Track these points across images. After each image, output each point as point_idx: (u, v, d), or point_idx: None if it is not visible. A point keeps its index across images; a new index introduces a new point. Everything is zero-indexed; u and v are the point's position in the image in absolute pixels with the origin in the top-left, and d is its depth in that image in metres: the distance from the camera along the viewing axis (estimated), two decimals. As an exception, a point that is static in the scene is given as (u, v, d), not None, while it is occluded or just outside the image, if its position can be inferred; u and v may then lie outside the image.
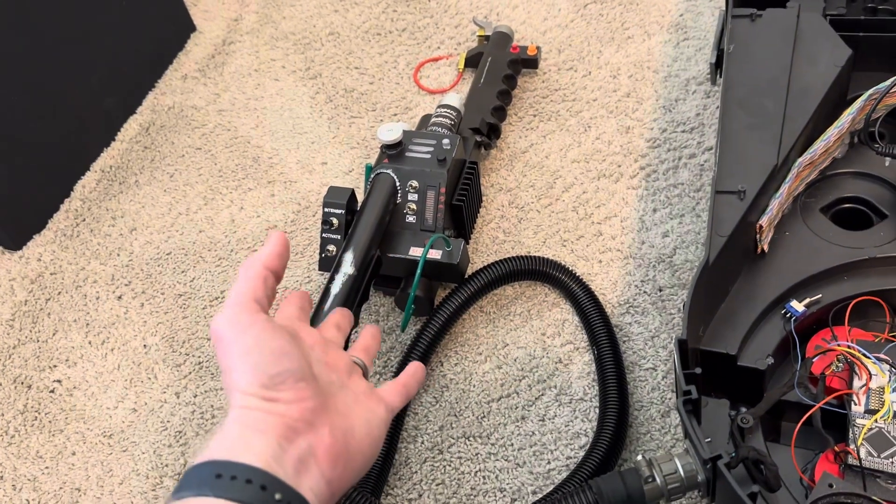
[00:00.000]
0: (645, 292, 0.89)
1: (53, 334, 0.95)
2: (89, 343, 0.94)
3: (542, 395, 0.83)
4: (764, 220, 0.70)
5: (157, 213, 1.05)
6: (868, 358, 0.66)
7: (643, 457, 0.61)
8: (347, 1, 1.27)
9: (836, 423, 0.66)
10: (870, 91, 0.76)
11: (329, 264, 0.85)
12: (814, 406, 0.65)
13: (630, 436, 0.79)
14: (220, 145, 1.11)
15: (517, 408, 0.83)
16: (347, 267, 0.79)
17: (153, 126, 1.15)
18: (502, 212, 0.99)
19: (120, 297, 0.97)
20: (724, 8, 0.87)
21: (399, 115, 1.11)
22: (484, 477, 0.78)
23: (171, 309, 0.95)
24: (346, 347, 0.74)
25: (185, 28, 1.25)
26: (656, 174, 0.98)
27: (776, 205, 0.71)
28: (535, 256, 0.89)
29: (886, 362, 0.66)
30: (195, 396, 0.88)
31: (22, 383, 0.91)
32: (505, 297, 0.91)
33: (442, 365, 0.87)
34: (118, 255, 1.01)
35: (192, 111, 1.16)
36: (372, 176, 0.89)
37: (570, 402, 0.82)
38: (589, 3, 1.19)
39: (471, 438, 0.81)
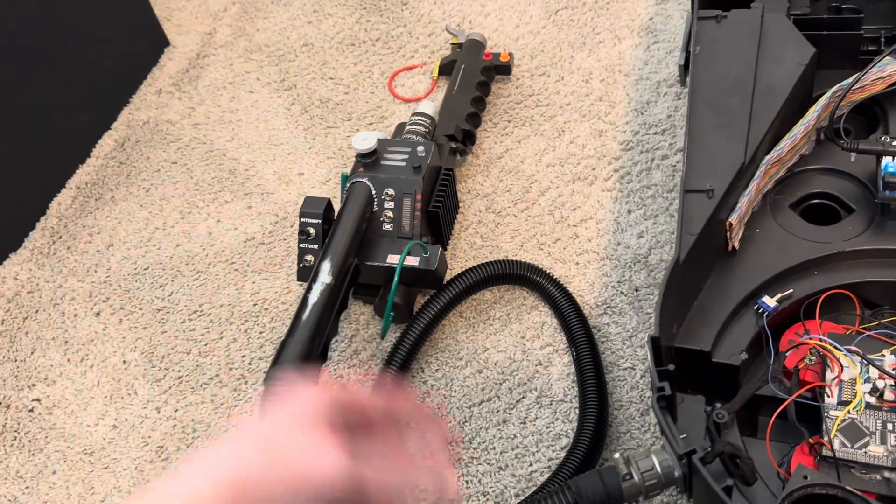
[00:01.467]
0: (622, 293, 0.90)
1: (32, 353, 0.94)
2: (68, 361, 0.93)
3: (523, 397, 0.84)
4: (734, 218, 0.71)
5: (134, 229, 1.04)
6: (839, 350, 0.67)
7: (621, 455, 0.61)
8: (321, 12, 1.28)
9: (812, 416, 0.66)
10: (834, 88, 0.78)
11: (307, 274, 0.85)
12: (788, 400, 0.66)
13: (610, 435, 0.79)
14: (196, 159, 1.11)
15: (498, 411, 0.83)
16: (325, 276, 0.79)
17: (128, 141, 1.15)
18: (479, 217, 1.00)
19: (98, 314, 0.97)
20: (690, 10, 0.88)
21: (375, 124, 1.12)
22: (467, 481, 0.79)
23: (149, 324, 0.95)
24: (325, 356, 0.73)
25: (158, 43, 1.25)
26: (630, 176, 0.99)
27: (745, 202, 0.72)
28: (512, 260, 0.90)
29: (857, 354, 0.67)
30: (176, 411, 0.87)
31: (0, 403, 0.90)
32: (484, 302, 0.92)
33: (423, 371, 0.87)
34: (95, 271, 1.01)
35: (167, 125, 1.16)
36: (347, 185, 0.89)
37: (551, 404, 0.83)
38: (560, 9, 1.20)
39: (453, 444, 0.81)
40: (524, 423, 0.82)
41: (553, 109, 1.08)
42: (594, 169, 1.01)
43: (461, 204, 1.01)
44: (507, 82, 1.13)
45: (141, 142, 1.14)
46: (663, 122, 1.03)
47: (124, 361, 0.92)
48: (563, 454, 0.78)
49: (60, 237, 1.05)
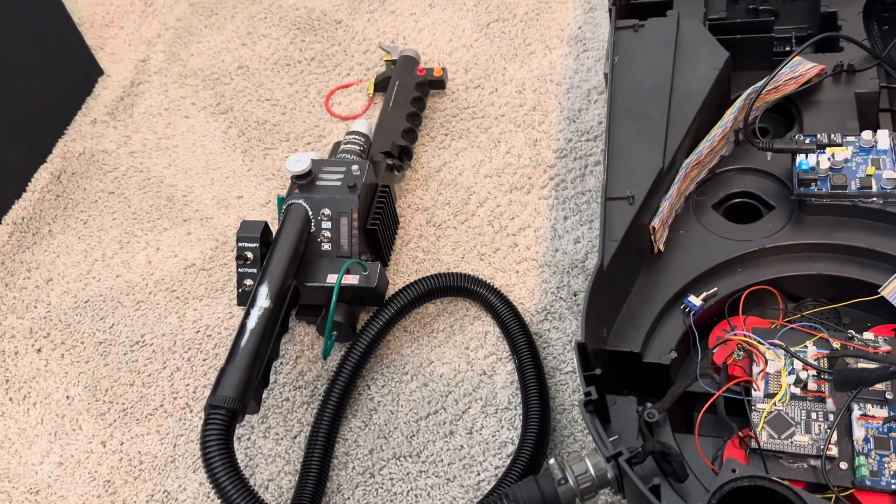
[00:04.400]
0: (561, 298, 0.91)
1: (-29, 394, 0.93)
2: (10, 399, 0.92)
3: (469, 408, 0.85)
4: (656, 222, 0.73)
5: (73, 262, 1.03)
6: (763, 345, 0.69)
7: (556, 459, 0.63)
8: (255, 34, 1.28)
9: (742, 410, 0.68)
10: (748, 90, 0.80)
11: (247, 299, 0.85)
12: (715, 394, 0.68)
13: (554, 440, 0.81)
14: (133, 187, 1.10)
15: (445, 423, 0.84)
16: (263, 300, 0.79)
17: (64, 173, 1.13)
18: (420, 231, 1.01)
19: (39, 350, 0.96)
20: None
21: (313, 144, 1.12)
22: (416, 496, 0.79)
23: (91, 357, 0.94)
24: (266, 379, 0.73)
25: (91, 72, 1.24)
26: (565, 183, 1.01)
27: (667, 206, 0.74)
28: (452, 273, 0.91)
29: (781, 347, 0.69)
30: (122, 444, 0.87)
31: (-60, 448, 0.89)
32: (427, 315, 0.93)
33: (369, 388, 0.88)
34: (35, 307, 1.00)
35: (104, 155, 1.15)
36: (284, 207, 0.89)
37: (496, 413, 0.84)
38: (492, 21, 1.22)
39: (401, 458, 0.82)
40: (470, 433, 0.83)
41: (488, 121, 1.10)
42: (530, 178, 1.03)
43: (402, 219, 1.02)
44: (443, 96, 1.14)
45: (77, 173, 1.13)
46: (595, 129, 1.05)
47: (68, 397, 0.91)
48: (508, 461, 0.80)
49: (-3, 274, 1.04)
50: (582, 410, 0.58)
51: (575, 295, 0.91)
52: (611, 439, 0.60)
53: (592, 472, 0.61)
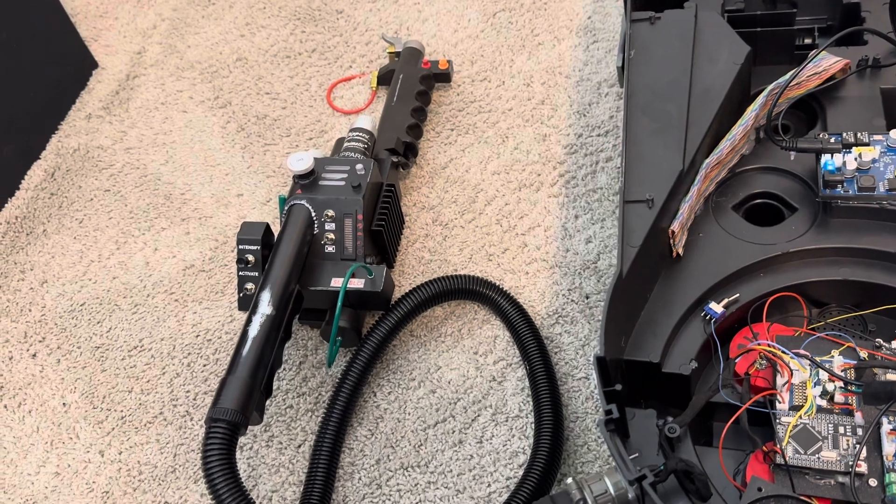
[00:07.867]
0: (573, 300, 0.88)
1: (-36, 401, 0.90)
2: (4, 407, 0.89)
3: (479, 415, 0.82)
4: (675, 225, 0.70)
5: (68, 263, 1.00)
6: (787, 354, 0.66)
7: (573, 479, 0.60)
8: (253, 25, 1.24)
9: (766, 421, 0.66)
10: (770, 86, 0.77)
11: (248, 303, 0.82)
12: (741, 407, 0.65)
13: (567, 449, 0.78)
14: (130, 185, 1.07)
15: (454, 432, 0.81)
16: (265, 307, 0.76)
17: (59, 171, 1.10)
18: (426, 230, 0.97)
19: (34, 356, 0.93)
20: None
21: (315, 139, 1.09)
22: (425, 507, 0.77)
23: (88, 363, 0.91)
24: (267, 395, 0.70)
25: (86, 65, 1.20)
26: (575, 180, 0.98)
27: (686, 208, 0.71)
28: (460, 275, 0.88)
29: (806, 357, 0.66)
30: (120, 453, 0.84)
31: (-68, 458, 0.86)
32: (434, 319, 0.90)
33: (375, 395, 0.85)
34: (30, 310, 0.97)
35: (99, 151, 1.11)
36: (286, 208, 0.86)
37: (507, 421, 0.81)
38: (498, 11, 1.18)
39: (409, 469, 0.79)
40: (480, 442, 0.80)
41: (496, 115, 1.07)
42: (539, 175, 0.99)
43: (407, 218, 0.98)
44: (448, 89, 1.11)
45: (72, 170, 1.10)
46: (606, 124, 1.02)
47: (64, 404, 0.89)
48: (520, 472, 0.77)
49: (-9, 276, 1.01)
50: (602, 430, 0.55)
51: (587, 297, 0.88)
52: (631, 457, 0.58)
53: (612, 492, 0.58)
